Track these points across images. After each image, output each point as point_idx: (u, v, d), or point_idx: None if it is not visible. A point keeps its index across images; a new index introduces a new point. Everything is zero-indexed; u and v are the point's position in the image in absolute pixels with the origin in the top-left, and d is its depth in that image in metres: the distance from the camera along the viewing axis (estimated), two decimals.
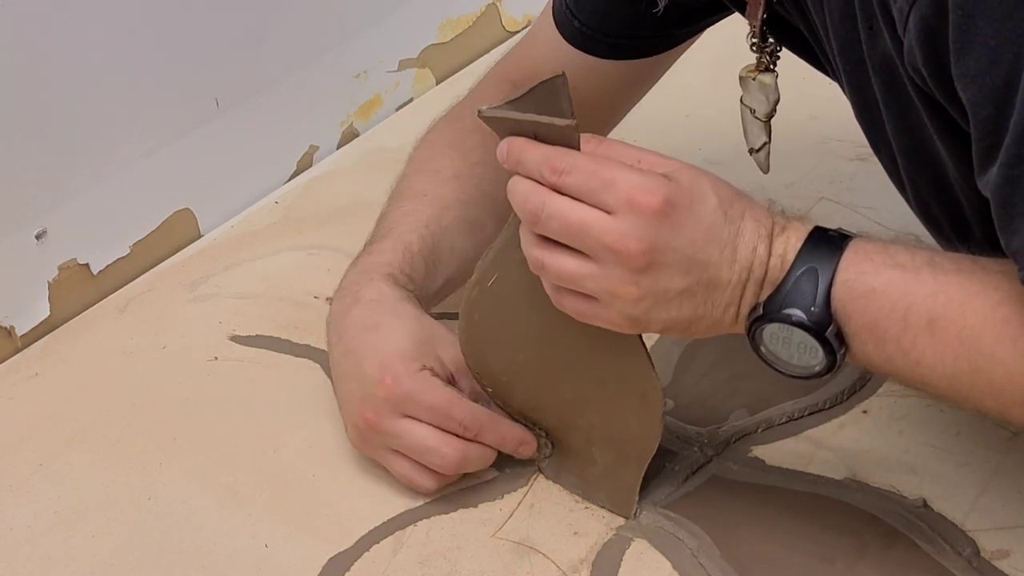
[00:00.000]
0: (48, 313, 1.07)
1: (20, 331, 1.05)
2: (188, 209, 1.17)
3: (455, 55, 1.41)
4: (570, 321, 0.76)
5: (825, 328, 0.68)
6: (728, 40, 1.41)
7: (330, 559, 0.81)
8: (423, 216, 0.92)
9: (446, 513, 0.84)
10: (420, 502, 0.85)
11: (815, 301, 0.68)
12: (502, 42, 1.45)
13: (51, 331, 1.07)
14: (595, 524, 0.82)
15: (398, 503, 0.85)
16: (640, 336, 0.76)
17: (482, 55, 1.43)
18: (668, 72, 1.36)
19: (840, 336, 0.68)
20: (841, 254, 0.68)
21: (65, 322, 1.08)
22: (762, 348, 0.71)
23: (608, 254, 0.69)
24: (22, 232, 1.04)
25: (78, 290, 1.09)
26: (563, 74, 0.75)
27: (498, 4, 1.45)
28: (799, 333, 0.69)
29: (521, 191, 0.71)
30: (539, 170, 0.70)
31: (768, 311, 0.69)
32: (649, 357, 0.77)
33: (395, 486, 0.86)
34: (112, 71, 1.07)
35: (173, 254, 1.15)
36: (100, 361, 1.02)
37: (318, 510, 0.85)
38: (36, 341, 1.06)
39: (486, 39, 1.44)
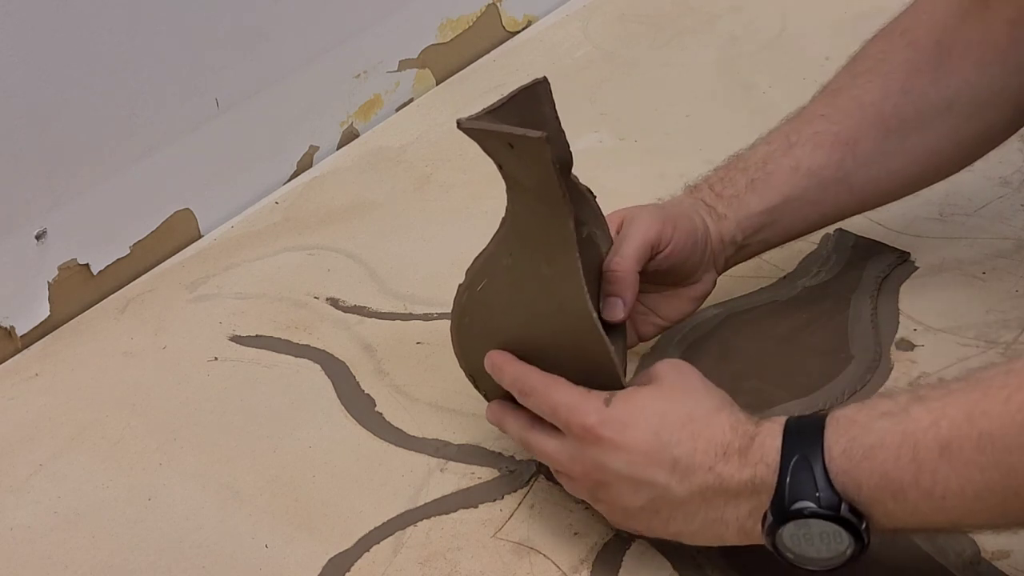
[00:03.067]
0: (48, 313, 1.07)
1: (20, 331, 1.05)
2: (188, 209, 1.17)
3: (455, 55, 1.41)
4: (546, 334, 0.77)
5: (838, 508, 0.66)
6: (729, 40, 1.42)
7: (330, 559, 0.81)
8: (776, 133, 0.91)
9: (446, 513, 0.84)
10: (420, 502, 0.85)
11: (817, 486, 0.66)
12: (502, 42, 1.45)
13: (51, 331, 1.07)
14: (595, 525, 0.82)
15: (398, 503, 0.85)
16: (611, 352, 0.76)
17: (482, 55, 1.43)
18: (669, 74, 1.36)
19: (856, 512, 0.66)
20: (823, 431, 0.67)
21: (65, 322, 1.08)
22: (788, 555, 0.69)
23: (565, 476, 0.77)
24: (22, 232, 1.04)
25: (78, 290, 1.09)
26: (544, 79, 0.75)
27: (498, 4, 1.45)
28: (816, 524, 0.67)
29: (508, 427, 0.80)
30: (514, 388, 0.78)
31: (776, 514, 0.68)
32: (621, 375, 0.77)
33: (395, 486, 0.86)
34: (112, 71, 1.07)
35: (173, 254, 1.15)
36: (100, 361, 1.02)
37: (318, 510, 0.85)
38: (36, 341, 1.06)
39: (486, 39, 1.44)
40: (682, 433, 0.71)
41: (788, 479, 0.67)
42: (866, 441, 0.66)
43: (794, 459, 0.67)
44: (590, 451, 0.73)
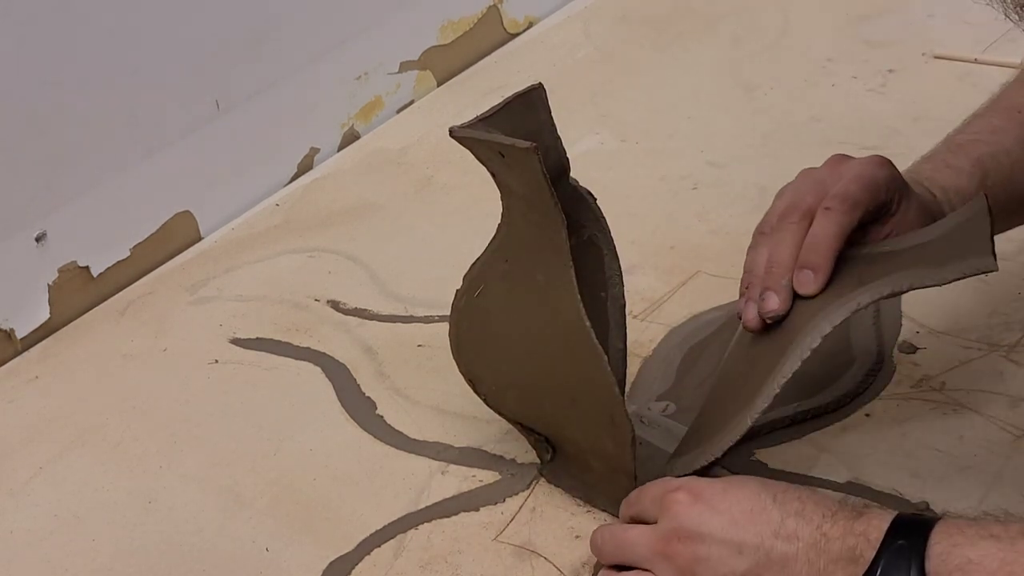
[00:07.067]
0: (48, 316, 1.07)
1: (20, 334, 1.05)
2: (188, 211, 1.17)
3: (456, 57, 1.41)
4: (542, 341, 0.77)
5: None
6: (730, 42, 1.42)
7: (331, 563, 0.81)
8: (1008, 137, 0.86)
9: (447, 517, 0.84)
10: (421, 505, 0.85)
11: None
12: (503, 44, 1.45)
13: (51, 334, 1.06)
14: (597, 527, 0.81)
15: (399, 506, 0.85)
16: (605, 363, 0.75)
17: (483, 57, 1.43)
18: (671, 75, 1.36)
19: None
20: (931, 529, 0.66)
21: (65, 325, 1.07)
22: None
23: (659, 558, 0.72)
24: (22, 235, 1.04)
25: (78, 293, 1.09)
26: (540, 85, 0.75)
27: (499, 6, 1.45)
28: None
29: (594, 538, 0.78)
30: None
31: None
32: (616, 383, 0.77)
33: (396, 489, 0.86)
34: (112, 72, 1.07)
35: (173, 256, 1.15)
36: (100, 364, 1.02)
37: (319, 514, 0.85)
38: (36, 344, 1.05)
39: (487, 41, 1.44)
40: (787, 495, 0.71)
41: (882, 562, 0.66)
42: (966, 554, 0.64)
43: (896, 544, 0.66)
44: (689, 519, 0.71)
